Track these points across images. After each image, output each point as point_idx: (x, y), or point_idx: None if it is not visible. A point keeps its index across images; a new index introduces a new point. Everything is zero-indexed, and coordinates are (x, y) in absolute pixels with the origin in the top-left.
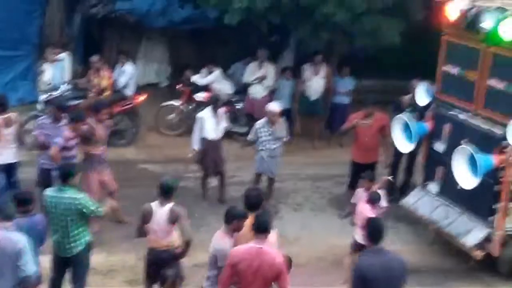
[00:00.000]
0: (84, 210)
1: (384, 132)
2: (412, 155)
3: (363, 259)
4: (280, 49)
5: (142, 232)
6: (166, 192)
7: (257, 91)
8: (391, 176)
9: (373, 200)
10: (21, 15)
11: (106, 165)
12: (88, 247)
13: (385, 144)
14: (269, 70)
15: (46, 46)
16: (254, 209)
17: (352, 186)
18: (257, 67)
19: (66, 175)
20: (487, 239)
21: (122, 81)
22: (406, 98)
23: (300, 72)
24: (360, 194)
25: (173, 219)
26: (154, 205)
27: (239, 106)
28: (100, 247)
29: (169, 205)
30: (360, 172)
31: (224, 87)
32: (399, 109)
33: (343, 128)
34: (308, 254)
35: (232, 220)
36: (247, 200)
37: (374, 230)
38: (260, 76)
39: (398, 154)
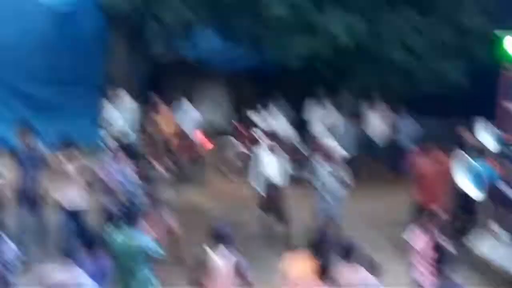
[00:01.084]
0: (148, 251)
1: (445, 175)
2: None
3: None
4: (341, 92)
5: (195, 280)
6: (220, 238)
7: (327, 137)
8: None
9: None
10: (86, 59)
11: (169, 207)
12: None
13: (446, 187)
14: (337, 115)
15: (109, 88)
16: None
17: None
18: (324, 111)
19: (133, 216)
20: None
21: (187, 125)
22: (469, 137)
23: (360, 113)
24: (418, 234)
25: (234, 267)
26: (212, 252)
27: (303, 150)
28: None
29: (228, 252)
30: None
31: (284, 128)
32: (463, 150)
33: (404, 169)
34: None
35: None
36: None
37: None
38: (329, 122)
39: (461, 196)
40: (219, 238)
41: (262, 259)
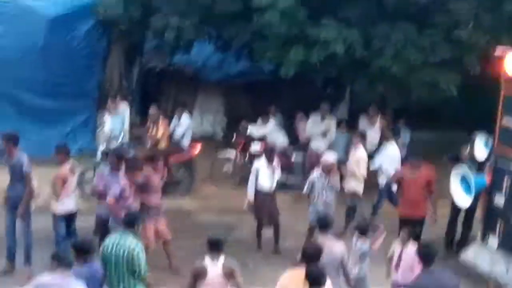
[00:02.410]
0: (136, 261)
1: (430, 187)
2: (471, 208)
3: (419, 281)
4: (335, 101)
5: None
6: (216, 246)
7: (320, 145)
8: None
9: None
10: (82, 70)
11: (162, 214)
12: None
13: (431, 199)
14: (331, 124)
15: (105, 99)
16: (312, 262)
17: None
18: (320, 120)
19: (132, 221)
20: None
21: (179, 132)
22: (465, 150)
23: (354, 124)
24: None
25: (228, 275)
26: (207, 261)
27: (294, 156)
28: None
29: (222, 261)
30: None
31: (279, 138)
32: (457, 162)
33: (390, 180)
34: None
35: None
36: (305, 253)
37: (427, 254)
38: (323, 130)
39: (456, 208)
40: (213, 246)
41: (252, 265)
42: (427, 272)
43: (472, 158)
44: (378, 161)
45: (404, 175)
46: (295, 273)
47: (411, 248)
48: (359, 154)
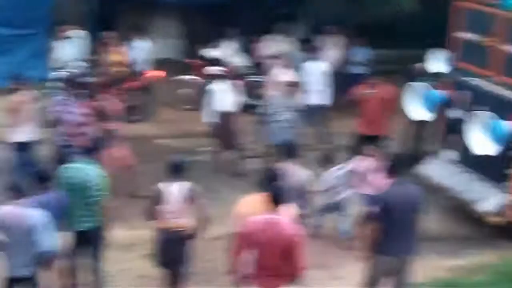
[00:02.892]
0: (94, 188)
1: (388, 104)
2: (423, 123)
3: (386, 192)
4: (293, 21)
5: (152, 215)
6: (177, 171)
7: (277, 65)
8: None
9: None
10: None
11: (122, 140)
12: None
13: (389, 116)
14: (289, 44)
15: (58, 25)
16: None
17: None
18: (277, 41)
19: (93, 149)
20: (503, 205)
21: (136, 57)
22: (419, 66)
23: (313, 44)
24: (360, 162)
25: (188, 198)
26: (165, 185)
27: (254, 79)
28: (118, 222)
29: (183, 184)
30: (363, 144)
31: (237, 60)
32: (412, 78)
33: (348, 99)
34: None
35: None
36: (264, 174)
37: (396, 164)
38: (279, 51)
39: (411, 123)
40: (173, 169)
41: (214, 188)
42: (395, 182)
43: (427, 74)
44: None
45: (363, 93)
46: (252, 198)
47: (371, 162)
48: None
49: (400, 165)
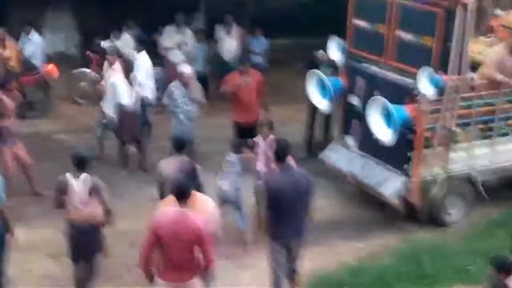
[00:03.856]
0: None
1: (260, 89)
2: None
3: (272, 178)
4: (190, 11)
5: (59, 203)
6: (80, 164)
7: (177, 57)
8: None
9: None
10: None
11: (18, 138)
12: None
13: (263, 101)
14: (187, 35)
15: None
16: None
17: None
18: (175, 32)
19: None
20: (405, 188)
21: (28, 51)
22: (320, 54)
23: (211, 34)
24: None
25: (92, 191)
26: (69, 176)
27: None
28: (18, 222)
29: (86, 177)
30: (245, 132)
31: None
32: (313, 66)
33: (224, 91)
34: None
35: None
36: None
37: (279, 149)
38: (178, 42)
39: (312, 111)
40: (77, 162)
41: (118, 183)
42: (282, 167)
43: (326, 62)
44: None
45: (237, 82)
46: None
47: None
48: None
49: (284, 151)
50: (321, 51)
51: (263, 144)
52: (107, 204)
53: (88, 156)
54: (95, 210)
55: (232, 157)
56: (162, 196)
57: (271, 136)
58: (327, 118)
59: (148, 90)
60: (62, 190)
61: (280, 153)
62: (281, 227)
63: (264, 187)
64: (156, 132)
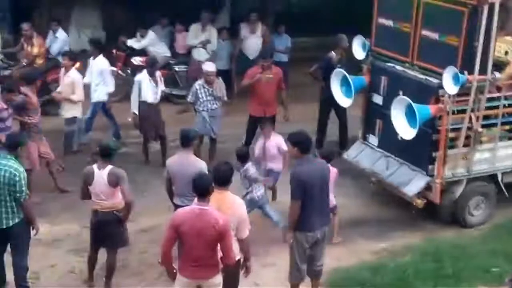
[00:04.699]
0: (17, 185)
1: (280, 85)
2: (343, 109)
3: (300, 168)
4: (215, 10)
5: (86, 194)
6: (105, 155)
7: (201, 55)
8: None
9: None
10: None
11: (42, 134)
12: (25, 222)
13: (283, 97)
14: (212, 33)
15: None
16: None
17: (250, 142)
18: (200, 30)
19: (15, 144)
20: (428, 188)
21: (55, 48)
22: (334, 54)
23: (236, 32)
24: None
25: (114, 182)
26: (95, 167)
27: (177, 68)
28: (42, 218)
29: (108, 168)
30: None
31: (160, 50)
32: (329, 65)
33: (244, 84)
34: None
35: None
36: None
37: (305, 141)
38: (203, 40)
39: (325, 110)
40: (102, 152)
41: (141, 179)
42: (304, 158)
43: (342, 61)
44: (87, 77)
45: (258, 76)
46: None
47: (273, 140)
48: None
49: (308, 142)
50: (332, 53)
51: (265, 144)
52: (128, 196)
53: (115, 147)
54: (118, 202)
55: (245, 167)
56: (169, 192)
57: (274, 135)
58: (344, 117)
59: (103, 92)
60: (88, 181)
61: (305, 145)
62: (310, 218)
63: (295, 178)
64: (179, 130)
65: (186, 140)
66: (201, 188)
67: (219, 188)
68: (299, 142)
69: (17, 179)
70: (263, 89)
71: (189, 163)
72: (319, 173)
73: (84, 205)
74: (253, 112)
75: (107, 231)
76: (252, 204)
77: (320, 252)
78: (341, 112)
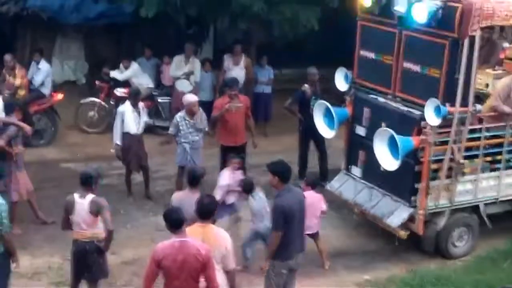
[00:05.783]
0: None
1: (248, 113)
2: (322, 140)
3: (281, 200)
4: (199, 41)
5: (67, 224)
6: (86, 183)
7: (185, 86)
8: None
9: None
10: None
11: (23, 165)
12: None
13: (250, 125)
14: (196, 65)
15: None
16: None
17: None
18: (183, 62)
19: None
20: (411, 219)
21: (38, 79)
22: (307, 86)
23: (219, 63)
24: (228, 173)
25: (95, 210)
26: (76, 196)
27: (160, 99)
28: (23, 250)
29: (90, 196)
30: (230, 153)
31: (143, 81)
32: (304, 99)
33: (215, 116)
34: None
35: None
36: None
37: (285, 171)
38: (187, 72)
39: (304, 141)
40: (83, 181)
41: (124, 210)
42: (286, 188)
43: (316, 94)
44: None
45: (228, 106)
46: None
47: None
48: None
49: (288, 172)
50: (306, 85)
51: (231, 176)
52: (109, 225)
53: (95, 175)
54: (99, 231)
55: (254, 198)
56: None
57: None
58: (322, 148)
59: None
60: (69, 209)
61: (286, 175)
62: (290, 246)
63: (278, 210)
64: (161, 161)
65: (194, 180)
66: (174, 220)
67: (203, 221)
68: (279, 172)
69: (0, 213)
70: (233, 118)
71: (191, 203)
72: (298, 203)
73: (67, 237)
74: (224, 142)
75: (88, 261)
76: (255, 236)
77: (294, 279)
78: (320, 143)
